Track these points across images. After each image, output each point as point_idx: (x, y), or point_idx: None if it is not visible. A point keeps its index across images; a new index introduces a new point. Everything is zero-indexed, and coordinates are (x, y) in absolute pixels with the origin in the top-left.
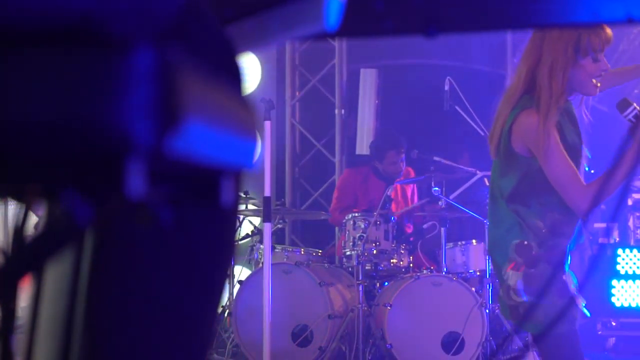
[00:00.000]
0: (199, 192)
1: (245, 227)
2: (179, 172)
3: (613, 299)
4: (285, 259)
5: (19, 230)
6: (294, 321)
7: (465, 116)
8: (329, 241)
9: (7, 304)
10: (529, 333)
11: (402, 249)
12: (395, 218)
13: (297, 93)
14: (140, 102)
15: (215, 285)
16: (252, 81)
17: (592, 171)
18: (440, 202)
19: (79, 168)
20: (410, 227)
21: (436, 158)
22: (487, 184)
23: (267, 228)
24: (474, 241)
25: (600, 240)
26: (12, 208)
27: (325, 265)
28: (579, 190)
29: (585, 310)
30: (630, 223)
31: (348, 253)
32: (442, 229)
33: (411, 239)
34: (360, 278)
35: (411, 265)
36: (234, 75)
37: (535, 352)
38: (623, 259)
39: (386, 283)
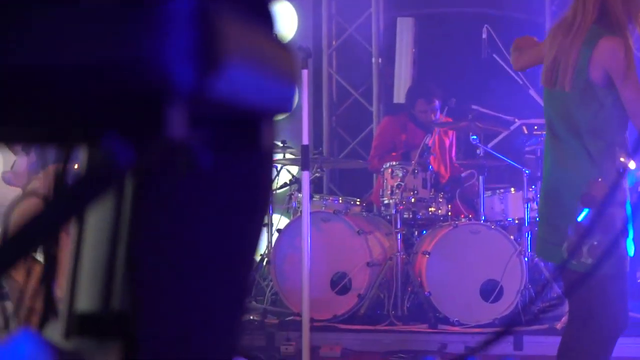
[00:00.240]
0: (239, 135)
1: (283, 176)
2: (219, 116)
3: None
4: (323, 208)
5: (60, 175)
6: (333, 269)
7: (503, 64)
8: (367, 190)
9: (48, 250)
10: (576, 272)
11: (440, 198)
12: (433, 168)
13: (333, 42)
14: (182, 44)
15: (254, 231)
16: (288, 30)
17: None
18: (478, 151)
19: (119, 112)
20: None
21: (474, 106)
22: (526, 132)
23: (306, 176)
24: (512, 189)
25: None
26: (53, 153)
27: (364, 213)
28: None
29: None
30: None
31: (386, 201)
32: (480, 177)
33: (450, 186)
34: (399, 226)
35: (449, 213)
36: (269, 20)
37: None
38: None
39: (424, 231)
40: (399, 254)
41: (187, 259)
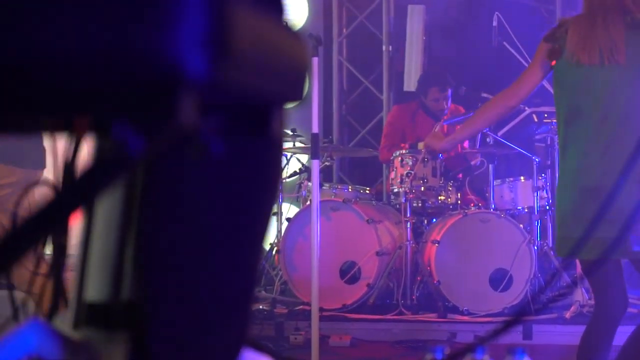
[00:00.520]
0: (249, 123)
1: (293, 165)
2: (229, 104)
3: None
4: (333, 196)
5: (69, 164)
6: (342, 258)
7: (513, 52)
8: (377, 178)
9: (58, 239)
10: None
11: (450, 186)
12: (443, 156)
13: (344, 30)
14: (193, 32)
15: (263, 219)
16: (299, 18)
17: None
18: (488, 139)
19: (130, 99)
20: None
21: (484, 94)
22: (536, 120)
23: (315, 165)
24: (522, 178)
25: None
26: (63, 141)
27: (373, 202)
28: None
29: None
30: None
31: (396, 190)
32: (490, 165)
33: (459, 176)
34: (408, 215)
35: (459, 202)
36: (279, 8)
37: (582, 289)
38: None
39: (434, 220)
40: (408, 242)
41: (197, 248)
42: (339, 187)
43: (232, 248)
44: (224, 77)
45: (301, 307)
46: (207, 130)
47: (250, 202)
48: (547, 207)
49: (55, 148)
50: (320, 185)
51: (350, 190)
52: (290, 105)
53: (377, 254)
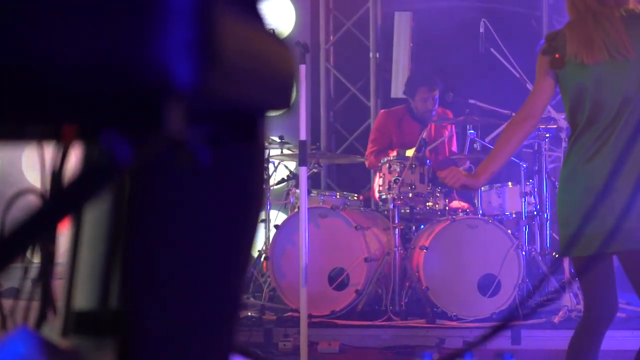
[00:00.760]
0: (236, 131)
1: (281, 172)
2: (217, 112)
3: None
4: (321, 203)
5: (57, 172)
6: (330, 265)
7: (500, 58)
8: (364, 185)
9: (46, 247)
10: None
11: (438, 192)
12: (431, 162)
13: (331, 37)
14: (180, 42)
15: (250, 226)
16: (286, 25)
17: None
18: (475, 145)
19: (117, 107)
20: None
21: (471, 100)
22: None
23: (303, 172)
24: (509, 183)
25: None
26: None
27: (361, 208)
28: None
29: None
30: None
31: (384, 196)
32: None
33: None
34: (396, 221)
35: (447, 208)
36: (261, 16)
37: (571, 293)
38: None
39: (422, 226)
40: (396, 249)
41: (184, 256)
42: (327, 193)
43: (219, 256)
44: (211, 85)
45: (290, 313)
46: (194, 138)
47: (237, 210)
48: (535, 213)
49: (43, 156)
50: (308, 192)
51: (338, 197)
52: (278, 113)
53: (366, 260)
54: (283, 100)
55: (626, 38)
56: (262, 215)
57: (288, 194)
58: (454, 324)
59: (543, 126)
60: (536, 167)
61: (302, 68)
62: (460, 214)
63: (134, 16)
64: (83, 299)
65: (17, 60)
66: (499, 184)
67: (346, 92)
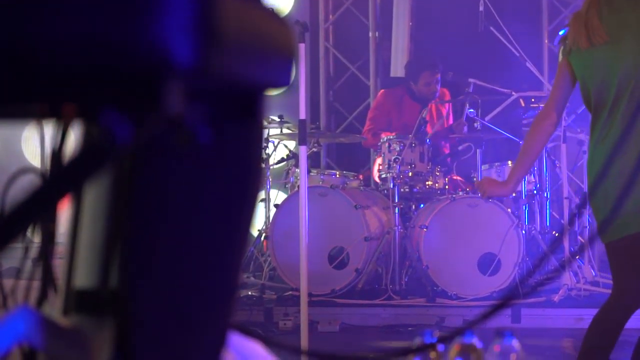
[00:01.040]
0: (236, 110)
1: (281, 151)
2: (217, 91)
3: None
4: (320, 182)
5: (57, 151)
6: (330, 244)
7: (500, 37)
8: (364, 164)
9: (46, 226)
10: None
11: (438, 171)
12: (431, 140)
13: (330, 16)
14: (180, 21)
15: (249, 205)
16: (285, 4)
17: None
18: (475, 124)
19: (117, 86)
20: (447, 148)
21: (471, 80)
22: (523, 104)
23: (303, 151)
24: (509, 162)
25: None
26: (50, 128)
27: (361, 188)
28: None
29: None
30: None
31: (383, 176)
32: (478, 150)
33: (448, 159)
34: (396, 200)
35: (447, 187)
36: None
37: (570, 272)
38: None
39: (422, 205)
40: (396, 228)
41: (182, 236)
42: (327, 173)
43: (218, 235)
44: (211, 64)
45: (290, 292)
46: (193, 117)
47: (236, 189)
48: (535, 192)
49: (42, 135)
50: (308, 172)
51: (337, 176)
52: (277, 91)
53: (366, 239)
54: (282, 79)
55: (598, 22)
56: (262, 195)
57: (288, 173)
58: (454, 302)
59: (543, 105)
60: None
61: (302, 47)
62: (460, 193)
63: None
64: (83, 278)
65: (17, 39)
66: (499, 163)
67: (345, 71)
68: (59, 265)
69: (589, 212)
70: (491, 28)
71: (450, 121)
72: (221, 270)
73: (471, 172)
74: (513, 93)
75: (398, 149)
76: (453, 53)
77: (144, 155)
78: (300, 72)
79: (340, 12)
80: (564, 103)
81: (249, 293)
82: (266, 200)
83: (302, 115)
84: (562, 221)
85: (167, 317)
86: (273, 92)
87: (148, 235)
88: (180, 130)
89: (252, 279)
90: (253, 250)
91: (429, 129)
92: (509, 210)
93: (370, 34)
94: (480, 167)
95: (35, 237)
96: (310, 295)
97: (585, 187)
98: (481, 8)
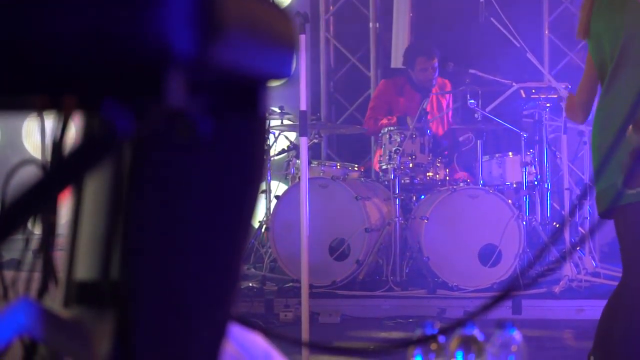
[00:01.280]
0: (238, 101)
1: (281, 143)
2: (218, 83)
3: None
4: (321, 174)
5: (57, 142)
6: (331, 235)
7: (500, 27)
8: (365, 155)
9: (47, 218)
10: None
11: (438, 162)
12: (431, 131)
13: (331, 7)
14: (181, 12)
15: (250, 196)
16: None
17: None
18: (476, 115)
19: (118, 78)
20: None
21: (472, 70)
22: (523, 95)
23: (304, 142)
24: (510, 153)
25: None
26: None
27: (362, 179)
28: None
29: None
30: None
31: (384, 167)
32: (479, 141)
33: (446, 152)
34: (397, 192)
35: (447, 178)
36: None
37: (571, 263)
38: None
39: (422, 196)
40: (397, 219)
41: (183, 227)
42: (328, 164)
43: (219, 227)
44: (212, 55)
45: (291, 284)
46: (195, 108)
47: (238, 180)
48: (536, 183)
49: (43, 127)
50: (309, 163)
51: (338, 167)
52: (278, 83)
53: (366, 230)
54: (283, 70)
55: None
56: (263, 186)
57: (288, 164)
58: (455, 294)
59: (544, 96)
60: (537, 137)
61: (302, 38)
62: (461, 184)
63: None
64: (84, 270)
65: (18, 31)
66: (500, 154)
67: (346, 62)
68: (60, 257)
69: (589, 203)
70: (492, 19)
71: (451, 113)
72: (222, 262)
73: (472, 163)
74: (514, 84)
75: (399, 140)
76: (453, 44)
77: (145, 147)
78: (300, 63)
79: (340, 3)
80: (593, 94)
81: (250, 284)
82: (267, 191)
83: (303, 106)
84: (563, 212)
85: (167, 309)
86: (274, 84)
87: (149, 227)
88: (182, 122)
89: (252, 270)
90: (254, 241)
91: (432, 125)
92: (510, 201)
93: (371, 25)
94: (481, 158)
95: (36, 229)
96: (311, 286)
97: (586, 178)
98: None
